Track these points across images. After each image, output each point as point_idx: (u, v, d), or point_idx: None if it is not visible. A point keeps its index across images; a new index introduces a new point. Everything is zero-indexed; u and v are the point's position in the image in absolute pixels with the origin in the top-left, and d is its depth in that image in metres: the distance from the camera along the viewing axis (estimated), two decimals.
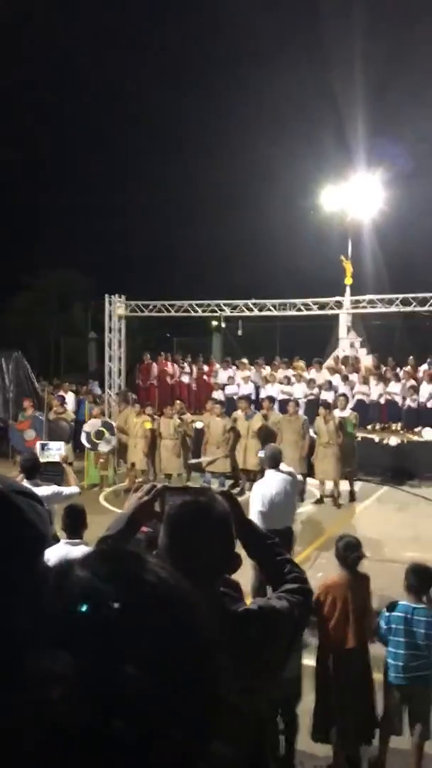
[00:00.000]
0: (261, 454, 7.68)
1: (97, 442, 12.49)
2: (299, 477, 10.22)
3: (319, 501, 11.74)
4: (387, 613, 4.21)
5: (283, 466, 6.89)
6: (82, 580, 0.57)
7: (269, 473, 6.64)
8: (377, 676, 4.37)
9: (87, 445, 12.56)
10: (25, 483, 5.81)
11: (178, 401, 13.77)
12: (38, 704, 0.49)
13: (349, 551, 4.33)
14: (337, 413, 11.96)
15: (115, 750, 0.48)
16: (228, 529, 1.64)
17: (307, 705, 4.29)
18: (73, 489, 6.08)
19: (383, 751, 4.24)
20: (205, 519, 1.61)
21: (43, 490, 5.54)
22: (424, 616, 4.13)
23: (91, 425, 12.64)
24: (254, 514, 6.15)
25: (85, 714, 0.48)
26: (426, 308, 14.63)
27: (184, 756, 0.52)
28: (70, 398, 15.37)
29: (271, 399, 13.27)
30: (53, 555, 4.51)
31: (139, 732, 0.49)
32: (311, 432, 11.98)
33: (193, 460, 12.61)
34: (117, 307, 16.60)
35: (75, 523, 4.66)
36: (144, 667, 0.51)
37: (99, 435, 12.49)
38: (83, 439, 12.56)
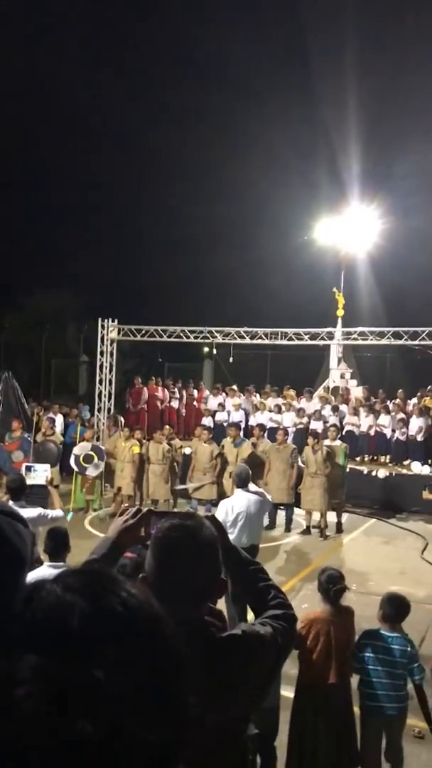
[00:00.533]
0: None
1: (86, 465, 12.39)
2: (269, 498, 10.21)
3: (306, 531, 11.68)
4: (364, 641, 4.18)
5: (252, 487, 7.14)
6: (51, 591, 0.58)
7: (237, 492, 6.90)
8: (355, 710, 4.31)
9: (75, 468, 12.45)
10: (11, 504, 5.77)
11: (167, 426, 13.73)
12: (3, 702, 0.50)
13: (332, 584, 4.30)
14: (326, 443, 11.96)
15: (81, 749, 0.49)
16: (215, 553, 1.63)
17: (283, 736, 4.21)
18: (58, 512, 6.04)
19: None
20: (193, 542, 1.59)
21: (29, 512, 5.49)
22: (400, 645, 4.15)
23: (81, 448, 12.56)
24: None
25: (49, 713, 0.49)
26: (417, 342, 14.75)
27: (153, 760, 0.52)
28: (59, 420, 15.30)
29: (262, 427, 13.26)
30: (36, 578, 4.44)
31: (103, 732, 0.49)
32: (299, 461, 11.96)
33: (180, 486, 12.54)
34: (110, 331, 16.64)
35: (57, 546, 4.61)
36: (110, 671, 0.51)
37: (88, 459, 12.40)
38: (72, 462, 12.46)
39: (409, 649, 4.15)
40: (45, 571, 4.50)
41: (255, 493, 7.01)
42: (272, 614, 1.80)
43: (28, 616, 0.56)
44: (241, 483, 6.92)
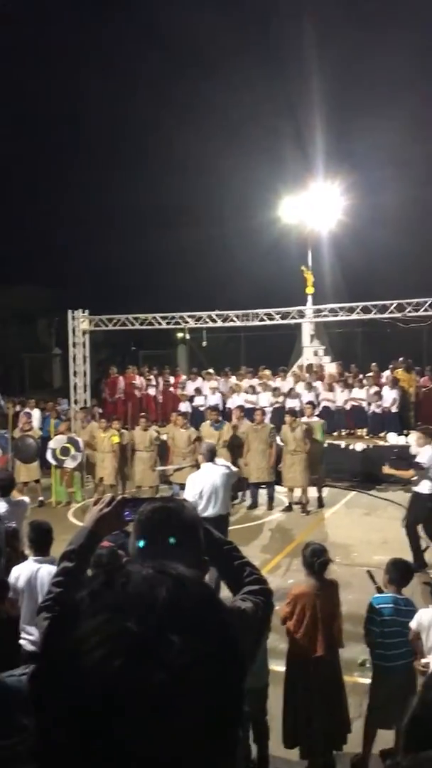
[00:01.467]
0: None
1: (63, 458, 12.37)
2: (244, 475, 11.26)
3: (288, 508, 11.83)
4: (379, 606, 4.32)
5: (219, 460, 7.77)
6: (145, 569, 0.69)
7: (204, 466, 7.39)
8: (347, 679, 4.45)
9: (53, 462, 12.42)
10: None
11: (142, 414, 13.71)
12: (93, 657, 0.60)
13: (316, 557, 4.41)
14: (304, 420, 12.09)
15: (159, 699, 0.58)
16: (197, 532, 1.67)
17: (276, 711, 4.32)
18: (21, 498, 6.21)
19: (368, 748, 4.30)
20: (176, 521, 1.64)
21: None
22: (407, 605, 4.37)
23: (57, 441, 12.53)
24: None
25: (135, 666, 0.59)
26: (386, 315, 14.91)
27: (221, 720, 0.63)
28: (35, 415, 15.20)
29: (241, 408, 13.34)
30: (22, 572, 4.48)
31: (179, 690, 0.59)
32: (278, 440, 12.08)
33: (160, 467, 12.59)
34: (81, 322, 16.53)
35: (41, 540, 4.63)
36: (184, 638, 0.62)
37: (65, 451, 12.38)
38: (49, 456, 12.42)
39: (414, 609, 4.38)
40: (30, 565, 4.53)
41: (223, 466, 7.55)
42: (249, 590, 1.86)
43: (122, 586, 0.66)
44: (210, 457, 7.42)
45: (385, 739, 4.38)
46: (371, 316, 15.21)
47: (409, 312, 14.53)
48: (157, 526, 1.63)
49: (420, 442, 8.61)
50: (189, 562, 1.62)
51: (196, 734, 0.60)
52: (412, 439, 13.76)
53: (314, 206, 20.40)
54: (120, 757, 0.58)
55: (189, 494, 7.08)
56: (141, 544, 1.62)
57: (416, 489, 8.61)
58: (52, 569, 2.17)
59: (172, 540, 1.57)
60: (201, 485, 7.13)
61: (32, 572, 4.42)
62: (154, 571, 0.69)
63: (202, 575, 1.74)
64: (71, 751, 0.58)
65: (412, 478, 8.61)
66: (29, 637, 4.31)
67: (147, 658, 0.60)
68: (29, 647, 4.26)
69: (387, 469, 9.28)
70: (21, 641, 4.37)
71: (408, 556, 8.29)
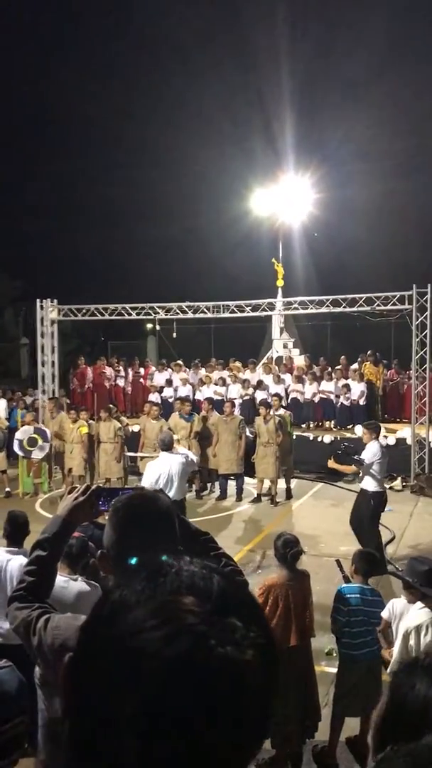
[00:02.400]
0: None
1: (30, 449, 12.23)
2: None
3: (257, 499, 11.90)
4: (346, 595, 4.40)
5: (181, 449, 8.36)
6: (191, 565, 0.72)
7: (162, 455, 7.75)
8: (318, 669, 4.50)
9: (20, 453, 12.28)
10: None
11: (110, 406, 13.61)
12: (154, 637, 0.62)
13: (288, 548, 4.44)
14: (271, 413, 12.17)
15: (234, 676, 0.62)
16: (173, 520, 1.67)
17: None
18: None
19: (335, 736, 4.37)
20: (153, 508, 1.64)
21: None
22: (372, 595, 4.48)
23: (23, 432, 12.38)
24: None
25: (204, 643, 0.62)
26: (356, 309, 15.05)
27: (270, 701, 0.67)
28: (2, 405, 14.99)
29: (210, 400, 13.34)
30: None
31: (248, 666, 0.63)
32: (248, 432, 12.12)
33: (130, 453, 12.55)
34: (49, 312, 16.32)
35: (15, 531, 4.57)
36: (243, 620, 0.66)
37: (32, 442, 12.24)
38: (16, 446, 12.27)
39: (381, 599, 4.49)
40: (1, 555, 4.47)
41: (181, 454, 7.97)
42: None
43: (175, 574, 0.69)
44: (166, 447, 7.80)
45: (351, 726, 4.45)
46: (341, 309, 15.33)
47: (378, 306, 14.68)
48: (134, 512, 1.63)
49: (365, 438, 8.36)
50: (165, 551, 1.62)
51: (259, 710, 0.64)
52: (359, 432, 13.98)
53: (285, 199, 20.44)
54: (196, 735, 0.59)
55: (146, 481, 7.42)
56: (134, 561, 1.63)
57: (362, 486, 8.43)
58: (24, 561, 2.15)
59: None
60: (158, 472, 7.50)
61: (2, 563, 4.37)
62: (197, 565, 0.72)
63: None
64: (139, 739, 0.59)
65: (355, 474, 8.54)
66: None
67: (216, 636, 0.62)
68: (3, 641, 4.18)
69: (331, 463, 8.88)
70: None
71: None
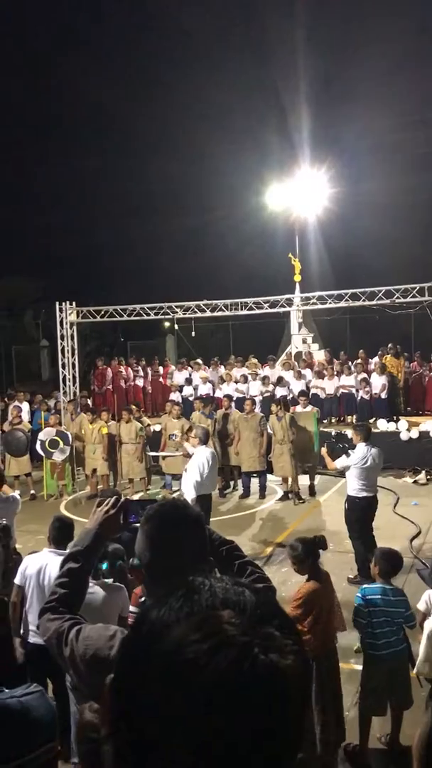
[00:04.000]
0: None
1: (52, 450, 12.33)
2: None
3: (284, 497, 11.86)
4: (369, 597, 4.36)
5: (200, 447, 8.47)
6: (222, 582, 0.75)
7: (200, 449, 8.06)
8: (344, 666, 4.47)
9: (42, 453, 12.39)
10: None
11: (132, 406, 13.67)
12: (198, 650, 0.64)
13: (310, 548, 4.40)
14: (298, 409, 12.11)
15: (280, 684, 0.64)
16: (203, 528, 1.68)
17: None
18: (12, 494, 6.21)
19: (365, 736, 4.34)
20: (184, 517, 1.65)
21: None
22: (395, 595, 4.40)
23: (45, 434, 12.48)
24: (191, 483, 7.67)
25: (248, 654, 0.64)
26: (374, 302, 14.94)
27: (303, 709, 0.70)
28: (25, 408, 15.13)
29: (230, 397, 13.34)
30: (34, 561, 4.48)
31: (289, 674, 0.65)
32: (268, 429, 12.09)
33: (152, 453, 12.61)
34: (68, 314, 16.43)
35: (61, 535, 4.63)
36: (280, 631, 0.68)
37: (53, 444, 12.33)
38: (38, 447, 12.38)
39: (405, 599, 4.41)
40: (45, 556, 4.52)
41: (209, 449, 8.35)
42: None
43: (210, 591, 0.71)
44: (206, 440, 8.29)
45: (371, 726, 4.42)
46: (360, 303, 15.23)
47: (397, 299, 14.55)
48: (167, 520, 1.64)
49: (354, 439, 7.93)
50: (196, 558, 1.62)
51: (298, 718, 0.67)
52: (382, 426, 13.85)
53: (301, 193, 20.33)
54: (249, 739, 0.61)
55: (193, 477, 7.68)
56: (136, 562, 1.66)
57: (347, 491, 7.99)
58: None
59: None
60: (202, 467, 7.77)
61: (44, 564, 4.43)
62: (227, 581, 0.74)
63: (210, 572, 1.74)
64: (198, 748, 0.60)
65: (335, 470, 8.33)
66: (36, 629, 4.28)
67: (259, 645, 0.64)
68: (37, 640, 4.21)
69: (323, 451, 8.50)
70: (30, 634, 4.34)
71: (398, 542, 8.36)
